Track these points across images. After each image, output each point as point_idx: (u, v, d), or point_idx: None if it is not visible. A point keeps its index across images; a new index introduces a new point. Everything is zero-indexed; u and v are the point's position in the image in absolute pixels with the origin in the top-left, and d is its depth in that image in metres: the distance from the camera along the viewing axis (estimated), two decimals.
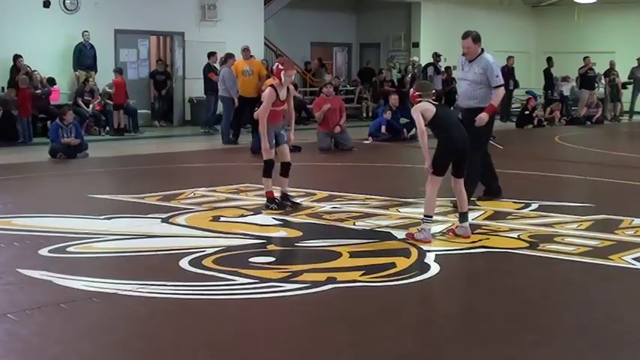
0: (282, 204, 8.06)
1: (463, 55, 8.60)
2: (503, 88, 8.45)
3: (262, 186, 8.15)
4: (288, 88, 8.23)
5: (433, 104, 6.80)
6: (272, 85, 8.18)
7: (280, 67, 8.17)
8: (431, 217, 6.70)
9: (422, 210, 8.05)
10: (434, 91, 7.15)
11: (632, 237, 6.85)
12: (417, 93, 6.87)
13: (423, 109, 6.73)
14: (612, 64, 23.61)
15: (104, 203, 8.59)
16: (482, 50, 8.41)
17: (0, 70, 16.39)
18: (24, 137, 15.20)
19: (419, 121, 6.75)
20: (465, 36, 8.36)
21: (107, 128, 17.03)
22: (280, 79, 8.07)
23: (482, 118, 8.20)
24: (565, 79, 23.14)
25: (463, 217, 6.84)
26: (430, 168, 6.76)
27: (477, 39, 8.34)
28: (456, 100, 18.34)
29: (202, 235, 6.96)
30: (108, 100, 17.14)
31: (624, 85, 23.44)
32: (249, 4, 20.68)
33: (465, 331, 4.54)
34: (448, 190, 9.31)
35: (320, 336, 4.46)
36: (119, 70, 17.39)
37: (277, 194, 8.12)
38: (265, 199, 8.09)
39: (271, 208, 7.93)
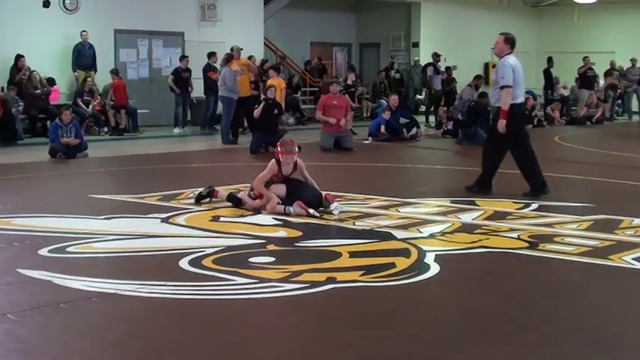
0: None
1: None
2: (508, 89, 8.77)
3: None
4: (296, 165, 8.07)
5: None
6: (278, 160, 8.02)
7: (278, 149, 8.08)
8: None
9: (422, 210, 8.14)
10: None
11: (632, 237, 6.85)
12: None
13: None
14: (613, 64, 23.65)
15: (104, 203, 8.59)
16: (510, 54, 8.93)
17: (0, 70, 16.40)
18: None
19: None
20: (501, 34, 9.08)
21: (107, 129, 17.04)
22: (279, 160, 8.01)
23: (500, 125, 8.78)
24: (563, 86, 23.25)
25: None
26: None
27: (507, 40, 8.96)
28: (456, 100, 18.44)
29: (202, 235, 6.96)
30: (108, 100, 17.15)
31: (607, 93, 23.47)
32: (249, 4, 20.69)
33: (465, 331, 4.53)
34: (447, 190, 9.33)
35: (320, 336, 4.46)
36: (116, 72, 17.35)
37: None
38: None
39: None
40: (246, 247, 6.48)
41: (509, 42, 8.98)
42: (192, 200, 8.49)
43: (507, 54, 8.95)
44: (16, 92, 15.70)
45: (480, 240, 6.71)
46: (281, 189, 7.93)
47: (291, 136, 15.05)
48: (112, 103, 17.08)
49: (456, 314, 4.87)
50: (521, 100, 9.12)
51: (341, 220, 7.55)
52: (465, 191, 9.05)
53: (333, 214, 7.69)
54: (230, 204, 8.18)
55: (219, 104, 16.49)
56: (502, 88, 8.78)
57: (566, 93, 23.30)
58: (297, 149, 8.15)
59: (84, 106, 16.71)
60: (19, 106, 15.64)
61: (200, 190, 8.57)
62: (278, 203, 7.80)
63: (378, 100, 21.95)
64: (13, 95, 15.57)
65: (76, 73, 17.42)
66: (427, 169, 12.50)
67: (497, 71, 9.04)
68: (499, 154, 9.12)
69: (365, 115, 21.72)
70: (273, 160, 8.08)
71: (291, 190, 7.89)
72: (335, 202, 7.90)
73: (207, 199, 8.40)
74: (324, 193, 8.03)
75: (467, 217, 7.68)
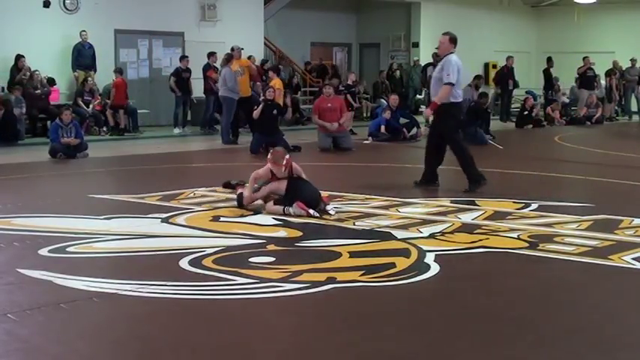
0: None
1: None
2: (449, 86, 9.11)
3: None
4: (291, 170, 7.99)
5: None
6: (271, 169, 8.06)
7: (269, 157, 8.08)
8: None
9: (421, 210, 8.15)
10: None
11: (632, 237, 6.85)
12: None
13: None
14: (615, 64, 23.66)
15: (104, 203, 8.59)
16: (452, 53, 9.29)
17: (0, 70, 16.40)
18: None
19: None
20: (445, 33, 9.44)
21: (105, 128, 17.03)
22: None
23: (426, 112, 9.43)
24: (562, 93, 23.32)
25: None
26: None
27: (452, 40, 9.37)
28: None
29: (202, 235, 6.96)
30: (108, 100, 17.14)
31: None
32: (249, 4, 20.70)
33: (465, 331, 4.54)
34: (447, 190, 9.33)
35: (320, 336, 4.46)
36: (119, 70, 17.37)
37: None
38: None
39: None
40: (246, 247, 6.48)
41: (454, 41, 9.39)
42: (220, 186, 8.97)
43: (451, 53, 9.30)
44: (21, 93, 15.67)
45: (480, 240, 6.71)
46: (281, 184, 7.93)
47: (291, 136, 15.11)
48: (109, 102, 17.04)
49: (456, 314, 4.87)
50: (461, 99, 9.63)
51: (341, 220, 7.55)
52: (466, 193, 9.06)
53: (330, 214, 7.67)
54: (235, 203, 8.19)
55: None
56: (445, 84, 9.09)
57: (567, 100, 23.31)
58: (285, 161, 7.98)
59: (84, 106, 16.70)
60: (22, 107, 15.61)
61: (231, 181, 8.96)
62: (275, 203, 7.83)
63: (378, 100, 21.96)
64: (17, 95, 15.56)
65: (75, 73, 17.42)
66: None
67: (442, 68, 9.25)
68: (463, 145, 9.50)
69: (365, 114, 21.71)
70: (269, 165, 8.07)
71: (291, 188, 7.88)
72: (331, 204, 7.90)
73: (231, 189, 8.67)
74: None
75: (467, 217, 7.68)
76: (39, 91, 16.18)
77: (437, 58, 20.99)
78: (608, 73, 23.57)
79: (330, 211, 7.72)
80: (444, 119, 9.32)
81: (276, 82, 15.61)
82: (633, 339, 4.47)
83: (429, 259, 6.08)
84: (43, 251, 6.24)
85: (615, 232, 7.03)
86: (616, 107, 24.52)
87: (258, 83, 17.80)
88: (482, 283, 5.58)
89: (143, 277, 5.49)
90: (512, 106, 23.21)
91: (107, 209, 8.15)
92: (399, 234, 6.90)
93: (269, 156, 8.13)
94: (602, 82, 23.47)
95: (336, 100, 14.91)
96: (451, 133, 9.41)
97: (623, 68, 24.01)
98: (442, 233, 7.00)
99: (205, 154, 14.51)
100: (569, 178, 11.13)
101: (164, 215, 7.74)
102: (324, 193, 8.17)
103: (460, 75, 9.26)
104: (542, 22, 27.89)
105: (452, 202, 8.51)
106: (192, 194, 9.01)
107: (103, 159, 13.00)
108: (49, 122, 15.27)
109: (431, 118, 9.77)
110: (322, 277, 5.50)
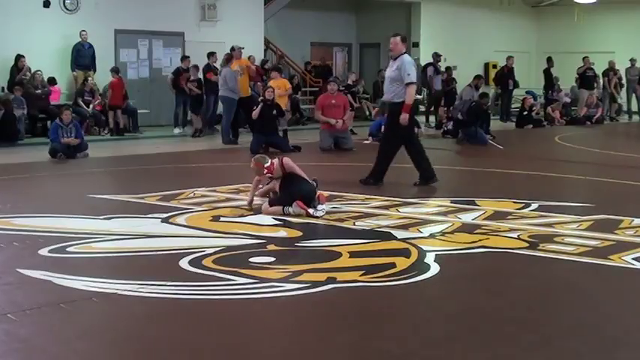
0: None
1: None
2: (413, 85, 9.39)
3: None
4: (283, 166, 7.96)
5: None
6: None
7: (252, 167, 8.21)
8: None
9: (422, 210, 8.14)
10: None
11: (632, 237, 6.85)
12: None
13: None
14: (612, 64, 23.65)
15: (104, 203, 8.59)
16: (405, 52, 9.57)
17: (0, 70, 16.40)
18: None
19: None
20: (395, 35, 9.64)
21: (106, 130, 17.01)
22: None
23: (403, 118, 9.30)
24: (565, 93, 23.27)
25: None
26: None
27: (404, 40, 9.67)
28: (456, 100, 18.43)
29: (202, 235, 6.96)
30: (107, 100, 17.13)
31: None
32: (249, 4, 20.69)
33: (465, 331, 4.54)
34: (447, 190, 9.33)
35: (320, 336, 4.46)
36: (116, 70, 17.33)
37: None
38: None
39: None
40: (246, 247, 6.48)
41: (405, 41, 9.72)
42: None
43: (404, 53, 9.55)
44: (22, 93, 15.65)
45: (480, 240, 6.71)
46: (277, 183, 7.92)
47: (291, 136, 15.09)
48: (106, 102, 17.00)
49: (456, 314, 4.87)
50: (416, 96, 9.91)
51: (341, 220, 7.55)
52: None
53: (316, 216, 7.61)
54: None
55: (220, 104, 16.48)
56: (408, 84, 9.30)
57: (568, 100, 23.28)
58: (265, 170, 8.00)
59: (84, 106, 16.69)
60: (24, 107, 15.58)
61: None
62: (272, 202, 7.82)
63: (378, 100, 21.95)
64: (18, 95, 15.56)
65: (74, 72, 17.40)
66: None
67: (400, 68, 9.41)
68: (396, 148, 9.78)
69: (368, 113, 21.68)
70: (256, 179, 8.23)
71: (285, 185, 7.86)
72: (325, 205, 7.86)
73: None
74: (317, 192, 7.99)
75: (467, 217, 7.68)
76: (39, 91, 16.18)
77: (437, 58, 21.10)
78: (606, 73, 23.56)
79: (317, 212, 7.66)
80: (397, 117, 9.43)
81: (284, 83, 15.60)
82: (633, 339, 4.46)
83: (429, 259, 6.08)
84: (43, 251, 6.24)
85: (615, 232, 7.03)
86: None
87: (258, 83, 17.78)
88: (482, 283, 5.58)
89: (143, 277, 5.49)
90: (513, 106, 23.21)
91: (107, 209, 8.15)
92: (399, 234, 6.90)
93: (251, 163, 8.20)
94: (600, 81, 23.47)
95: (340, 98, 14.91)
96: (394, 131, 9.59)
97: (617, 68, 23.94)
98: (442, 233, 7.00)
99: (205, 154, 14.50)
100: (569, 178, 11.13)
101: (164, 215, 7.74)
102: (324, 193, 8.16)
103: (415, 73, 9.60)
104: (542, 22, 27.88)
105: (452, 202, 8.51)
106: (192, 194, 9.01)
107: (103, 159, 13.00)
108: (49, 122, 15.27)
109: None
110: (322, 277, 5.50)
